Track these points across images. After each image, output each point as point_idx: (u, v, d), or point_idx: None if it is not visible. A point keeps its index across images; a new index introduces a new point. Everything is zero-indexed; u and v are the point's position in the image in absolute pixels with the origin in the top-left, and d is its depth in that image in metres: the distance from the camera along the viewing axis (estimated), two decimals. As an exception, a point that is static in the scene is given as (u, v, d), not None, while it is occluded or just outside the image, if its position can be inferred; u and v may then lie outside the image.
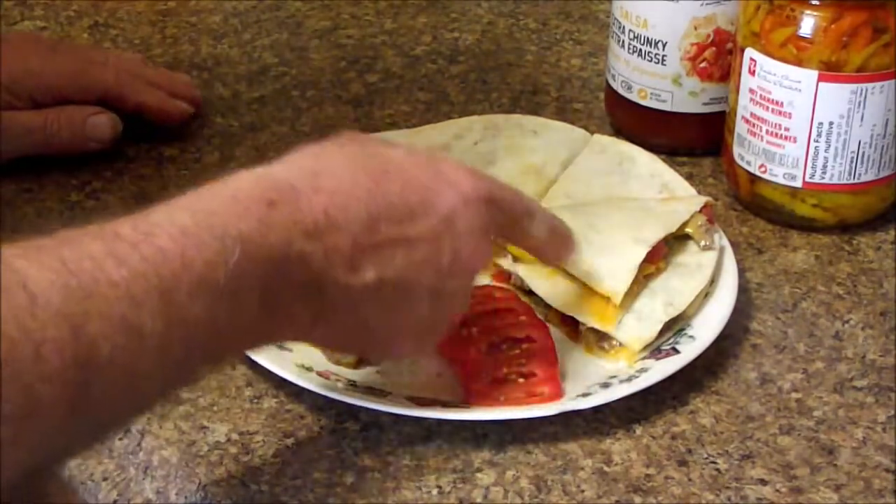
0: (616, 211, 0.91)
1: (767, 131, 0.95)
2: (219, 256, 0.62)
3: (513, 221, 0.77)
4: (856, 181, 0.95)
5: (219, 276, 0.62)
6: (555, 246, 0.80)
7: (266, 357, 0.81)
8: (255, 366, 0.82)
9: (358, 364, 0.83)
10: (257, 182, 0.67)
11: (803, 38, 0.92)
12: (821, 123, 0.93)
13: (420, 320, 0.73)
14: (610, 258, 0.86)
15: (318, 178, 0.68)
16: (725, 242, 0.91)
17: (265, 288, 0.65)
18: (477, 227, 0.73)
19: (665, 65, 1.02)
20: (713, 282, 0.88)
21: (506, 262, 0.90)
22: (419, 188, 0.71)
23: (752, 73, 0.94)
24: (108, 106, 1.01)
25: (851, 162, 0.94)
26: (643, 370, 0.82)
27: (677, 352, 0.84)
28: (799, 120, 0.93)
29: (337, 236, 0.68)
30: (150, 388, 0.62)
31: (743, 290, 0.89)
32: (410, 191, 0.71)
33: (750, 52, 0.94)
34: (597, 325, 0.85)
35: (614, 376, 0.82)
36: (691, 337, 0.85)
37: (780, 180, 0.96)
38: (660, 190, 0.95)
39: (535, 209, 0.79)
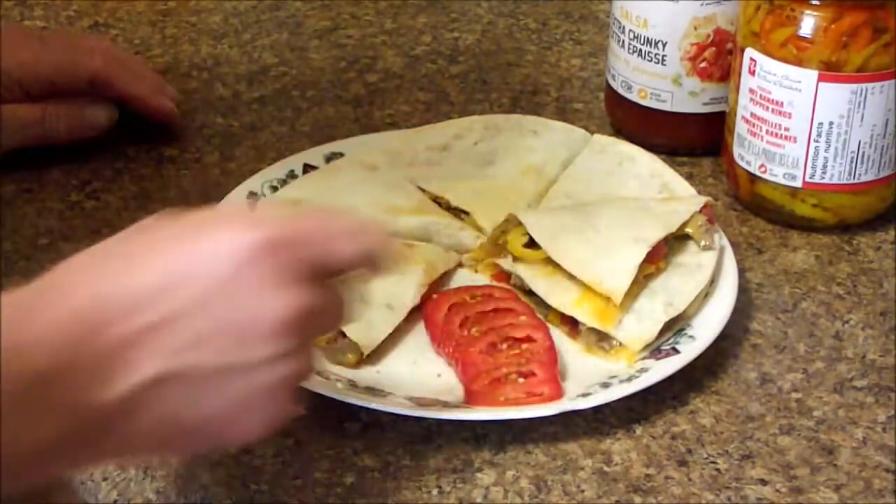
0: (616, 211, 0.91)
1: (767, 131, 0.95)
2: None
3: (321, 252, 0.66)
4: (856, 181, 0.95)
5: None
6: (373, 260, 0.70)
7: (266, 357, 0.81)
8: (255, 366, 0.82)
9: (358, 364, 0.83)
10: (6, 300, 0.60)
11: (803, 38, 0.92)
12: (821, 123, 0.93)
13: (244, 399, 0.64)
14: (610, 258, 0.86)
15: (49, 291, 0.61)
16: (725, 242, 0.91)
17: (38, 407, 0.58)
18: (267, 281, 0.63)
19: (665, 65, 1.02)
20: (713, 282, 0.88)
21: (506, 263, 0.90)
22: (177, 263, 0.62)
23: (752, 73, 0.94)
24: (96, 93, 1.01)
25: (851, 162, 0.94)
26: (643, 370, 0.82)
27: (677, 352, 0.84)
28: (799, 120, 0.93)
29: (101, 335, 0.60)
30: None
31: (743, 290, 0.89)
32: (168, 268, 0.62)
33: (750, 52, 0.94)
34: (597, 325, 0.85)
35: (614, 376, 0.83)
36: (691, 337, 0.85)
37: (780, 180, 0.96)
38: (660, 190, 0.95)
39: (347, 228, 0.68)
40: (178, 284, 0.61)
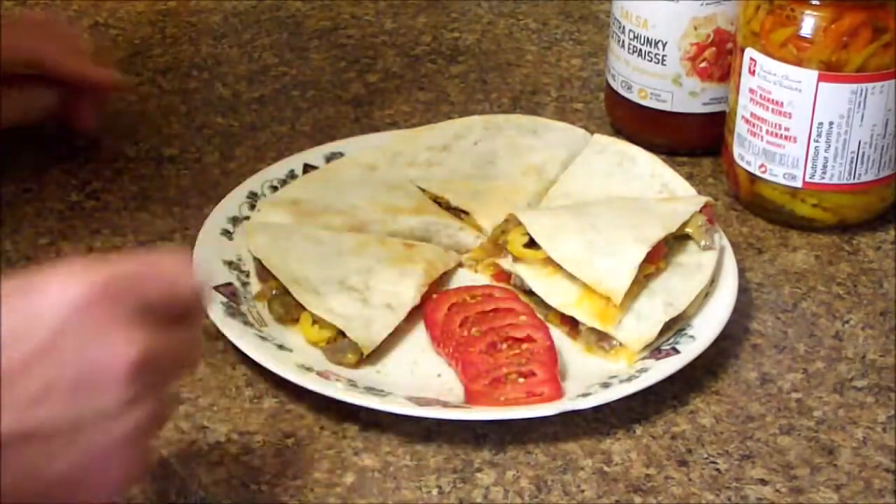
0: (616, 211, 0.91)
1: (767, 131, 0.95)
2: None
3: (158, 291, 0.63)
4: (856, 181, 0.95)
5: None
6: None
7: (266, 357, 0.82)
8: (255, 366, 0.82)
9: (358, 364, 0.83)
10: None
11: (803, 38, 0.92)
12: (821, 123, 0.93)
13: (99, 452, 0.61)
14: (610, 258, 0.86)
15: None
16: (725, 242, 0.91)
17: None
18: (106, 324, 0.60)
19: (665, 65, 1.02)
20: (713, 282, 0.88)
21: (506, 263, 0.90)
22: (12, 320, 0.59)
23: (752, 72, 0.94)
24: (34, 74, 0.98)
25: (851, 162, 0.94)
26: (643, 370, 0.82)
27: (677, 352, 0.84)
28: (799, 120, 0.93)
29: None
30: None
31: (743, 290, 0.89)
32: (6, 325, 0.59)
33: (750, 52, 0.94)
34: (597, 325, 0.85)
35: (614, 376, 0.83)
36: (691, 337, 0.85)
37: (780, 180, 0.96)
38: (660, 190, 0.95)
39: (179, 266, 0.65)
40: (18, 338, 0.59)
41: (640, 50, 1.02)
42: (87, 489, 0.62)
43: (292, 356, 0.83)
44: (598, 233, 0.88)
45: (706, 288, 0.88)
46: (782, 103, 0.93)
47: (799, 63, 0.92)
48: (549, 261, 0.87)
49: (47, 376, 0.59)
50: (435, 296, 0.87)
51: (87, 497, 0.63)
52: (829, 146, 0.94)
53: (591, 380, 0.82)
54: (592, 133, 1.01)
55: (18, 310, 0.60)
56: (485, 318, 0.84)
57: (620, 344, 0.84)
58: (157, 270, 0.64)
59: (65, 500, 0.62)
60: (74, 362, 0.60)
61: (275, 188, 0.96)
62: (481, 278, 0.91)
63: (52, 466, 0.60)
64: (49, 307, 0.60)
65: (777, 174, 0.96)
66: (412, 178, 0.97)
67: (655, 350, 0.84)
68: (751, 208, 0.99)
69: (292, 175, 0.97)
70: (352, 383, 0.81)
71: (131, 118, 1.07)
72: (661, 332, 0.85)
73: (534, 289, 0.88)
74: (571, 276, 0.86)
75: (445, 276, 0.91)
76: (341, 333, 0.83)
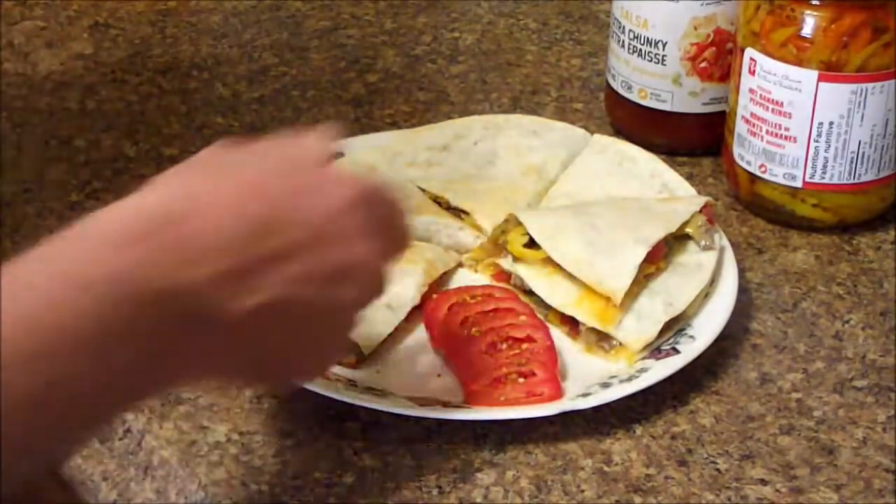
0: (616, 211, 0.91)
1: (767, 131, 0.95)
2: (83, 308, 0.58)
3: (395, 220, 0.72)
4: (856, 181, 0.95)
5: (83, 331, 0.58)
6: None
7: (266, 357, 0.81)
8: (255, 366, 0.82)
9: (358, 364, 0.83)
10: (123, 217, 0.62)
11: (803, 38, 0.92)
12: (821, 123, 0.93)
13: (318, 338, 0.69)
14: (610, 258, 0.86)
15: (187, 202, 0.63)
16: (725, 242, 0.91)
17: (145, 331, 0.60)
18: (361, 228, 0.68)
19: (665, 65, 1.02)
20: (713, 282, 0.88)
21: (506, 263, 0.90)
22: (289, 199, 0.66)
23: (752, 73, 0.94)
24: None
25: (851, 162, 0.94)
26: (643, 370, 0.82)
27: (677, 352, 0.84)
28: (799, 120, 0.93)
29: (211, 263, 0.62)
30: (20, 462, 0.57)
31: (743, 290, 0.89)
32: (280, 204, 0.66)
33: (750, 52, 0.94)
34: (597, 325, 0.85)
35: (614, 376, 0.82)
36: (691, 337, 0.85)
37: (780, 180, 0.96)
38: (660, 190, 0.95)
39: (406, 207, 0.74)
40: (288, 226, 0.65)
41: (640, 50, 1.02)
42: (297, 368, 0.71)
43: (292, 356, 0.83)
44: (598, 233, 0.88)
45: (706, 288, 0.88)
46: (782, 103, 0.93)
47: (799, 63, 0.92)
48: (549, 261, 0.87)
49: (314, 259, 0.66)
50: (435, 296, 0.87)
51: (293, 375, 0.73)
52: (829, 146, 0.94)
53: (591, 380, 0.82)
54: (592, 133, 1.01)
55: (299, 200, 0.66)
56: (485, 318, 0.84)
57: (620, 344, 0.84)
58: (399, 205, 0.72)
59: (280, 375, 0.71)
60: (335, 255, 0.67)
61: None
62: (481, 278, 0.91)
63: (286, 339, 0.67)
64: (324, 203, 0.67)
65: (777, 174, 0.95)
66: (412, 178, 0.97)
67: (655, 350, 0.84)
68: (751, 208, 0.99)
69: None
70: (352, 383, 0.81)
71: (131, 118, 1.07)
72: (661, 332, 0.85)
73: (534, 289, 0.88)
74: (571, 276, 0.86)
75: (445, 276, 0.91)
76: (341, 333, 0.83)
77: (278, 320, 0.65)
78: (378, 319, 0.84)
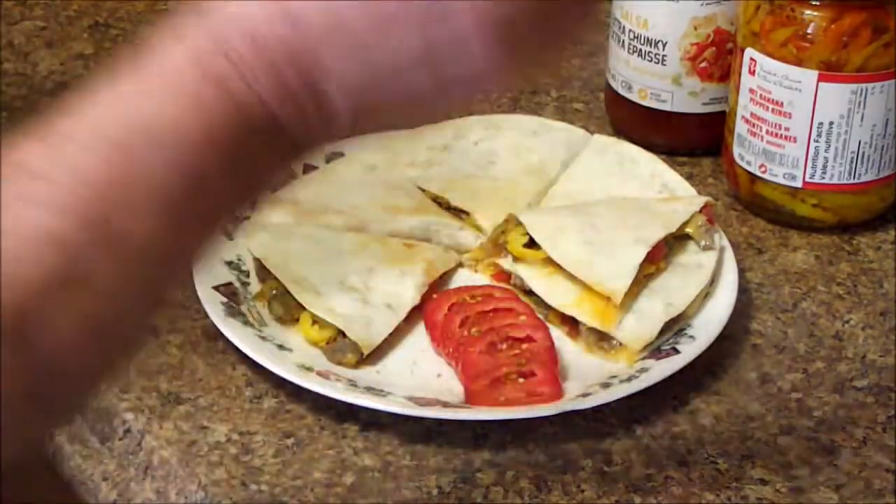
0: (616, 211, 0.91)
1: (767, 131, 0.95)
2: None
3: None
4: (856, 181, 0.95)
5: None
6: None
7: (266, 357, 0.82)
8: (255, 366, 0.82)
9: (358, 364, 0.83)
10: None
11: (803, 38, 0.92)
12: (821, 123, 0.93)
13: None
14: (610, 258, 0.86)
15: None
16: (725, 242, 0.91)
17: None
18: None
19: (665, 65, 1.02)
20: (713, 282, 0.88)
21: (506, 263, 0.90)
22: None
23: (752, 73, 0.94)
24: None
25: (851, 162, 0.94)
26: (643, 370, 0.82)
27: (677, 352, 0.84)
28: (799, 120, 0.93)
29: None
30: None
31: (743, 290, 0.89)
32: None
33: (750, 52, 0.94)
34: (597, 325, 0.85)
35: (614, 376, 0.82)
36: (691, 337, 0.85)
37: (780, 180, 0.96)
38: (660, 190, 0.95)
39: None
40: None
41: (640, 50, 1.02)
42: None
43: (292, 356, 0.83)
44: (598, 233, 0.88)
45: (706, 288, 0.88)
46: (782, 103, 0.93)
47: (799, 63, 0.92)
48: (549, 261, 0.87)
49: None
50: (435, 296, 0.87)
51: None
52: (829, 146, 0.94)
53: (591, 380, 0.82)
54: (592, 133, 1.01)
55: None
56: (485, 318, 0.84)
57: (620, 344, 0.84)
58: None
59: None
60: None
61: (274, 188, 0.95)
62: (481, 278, 0.91)
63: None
64: None
65: (777, 174, 0.95)
66: (412, 178, 0.97)
67: (655, 350, 0.84)
68: (751, 208, 0.99)
69: (292, 175, 0.97)
70: (352, 383, 0.81)
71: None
72: (661, 332, 0.85)
73: (534, 289, 0.88)
74: (571, 276, 0.86)
75: (445, 276, 0.91)
76: (341, 333, 0.83)
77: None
78: (378, 319, 0.85)
